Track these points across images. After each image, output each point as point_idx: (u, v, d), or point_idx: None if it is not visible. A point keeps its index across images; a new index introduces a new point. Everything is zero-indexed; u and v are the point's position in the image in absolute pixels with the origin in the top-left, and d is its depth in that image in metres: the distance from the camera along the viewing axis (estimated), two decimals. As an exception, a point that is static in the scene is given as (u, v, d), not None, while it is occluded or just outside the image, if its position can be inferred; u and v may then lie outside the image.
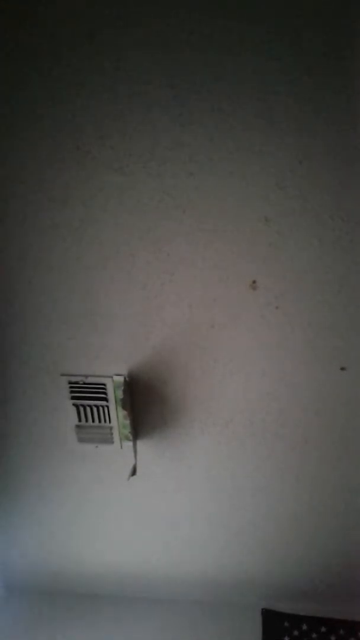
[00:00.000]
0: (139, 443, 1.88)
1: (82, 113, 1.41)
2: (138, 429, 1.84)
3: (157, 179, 1.48)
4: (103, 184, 1.49)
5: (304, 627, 2.20)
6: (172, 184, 1.48)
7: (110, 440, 1.81)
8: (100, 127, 1.42)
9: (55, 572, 2.34)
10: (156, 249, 1.57)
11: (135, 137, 1.43)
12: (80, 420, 1.80)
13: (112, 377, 1.73)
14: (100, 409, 1.77)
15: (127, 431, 1.77)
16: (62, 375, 1.78)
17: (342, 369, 1.72)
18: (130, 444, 1.80)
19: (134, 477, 1.90)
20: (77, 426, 1.81)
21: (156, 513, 2.09)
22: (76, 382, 1.77)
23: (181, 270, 1.60)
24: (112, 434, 1.79)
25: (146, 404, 1.81)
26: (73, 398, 1.78)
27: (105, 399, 1.75)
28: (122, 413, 1.74)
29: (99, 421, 1.79)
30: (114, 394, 1.74)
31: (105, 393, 1.75)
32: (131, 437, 1.78)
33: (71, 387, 1.77)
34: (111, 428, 1.78)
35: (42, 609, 2.33)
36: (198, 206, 1.50)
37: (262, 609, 2.28)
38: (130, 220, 1.53)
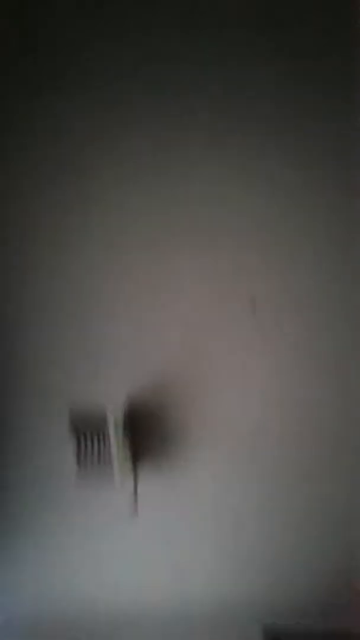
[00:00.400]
0: (140, 470, 1.87)
1: (83, 118, 1.39)
2: (139, 458, 1.83)
3: (157, 190, 1.45)
4: (101, 199, 1.47)
5: (305, 642, 2.24)
6: (172, 194, 1.46)
7: (110, 479, 1.80)
8: (102, 136, 1.40)
9: (55, 611, 2.34)
10: (153, 267, 1.54)
11: (136, 146, 1.41)
12: (80, 458, 1.79)
13: (110, 412, 1.72)
14: (101, 445, 1.75)
15: (127, 469, 1.76)
16: (62, 408, 1.76)
17: (341, 385, 1.71)
18: (131, 481, 1.79)
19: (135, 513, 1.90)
20: (78, 463, 1.80)
21: (159, 536, 2.10)
22: (76, 418, 1.75)
23: (179, 290, 1.58)
24: (112, 472, 1.78)
25: (147, 433, 1.81)
26: (73, 435, 1.76)
27: (106, 435, 1.73)
28: (122, 451, 1.73)
29: (99, 460, 1.77)
30: (114, 431, 1.72)
31: (105, 429, 1.73)
32: (132, 474, 1.78)
33: (72, 423, 1.75)
34: (112, 467, 1.77)
35: None
36: (197, 218, 1.48)
37: (263, 625, 2.32)
38: (129, 238, 1.51)
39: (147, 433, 1.81)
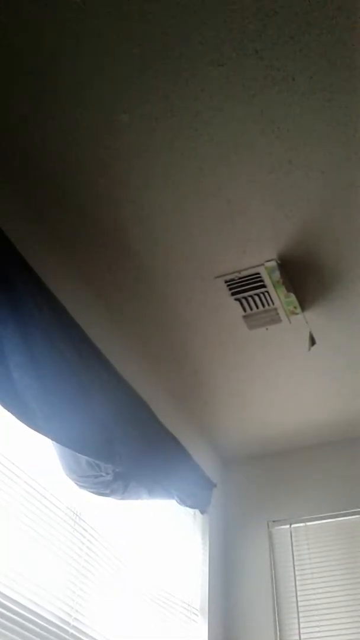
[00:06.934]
0: (308, 314, 2.01)
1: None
2: (302, 302, 1.97)
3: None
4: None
5: None
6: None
7: (278, 320, 1.97)
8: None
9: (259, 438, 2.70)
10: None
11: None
12: (245, 310, 1.97)
13: (263, 264, 1.85)
14: (261, 295, 1.92)
15: (292, 307, 1.92)
16: (217, 277, 1.93)
17: None
18: (300, 317, 1.95)
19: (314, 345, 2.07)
20: (244, 316, 1.99)
21: (334, 363, 2.28)
22: (232, 280, 1.91)
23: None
24: (278, 314, 1.95)
25: (304, 278, 1.91)
26: (233, 294, 1.94)
27: (263, 285, 1.89)
28: (282, 292, 1.88)
29: (263, 306, 1.95)
30: (269, 278, 1.87)
31: (261, 280, 1.88)
32: (299, 311, 1.93)
33: (229, 285, 1.93)
34: (276, 309, 1.94)
35: (253, 471, 2.74)
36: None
37: None
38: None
39: (304, 277, 1.91)
